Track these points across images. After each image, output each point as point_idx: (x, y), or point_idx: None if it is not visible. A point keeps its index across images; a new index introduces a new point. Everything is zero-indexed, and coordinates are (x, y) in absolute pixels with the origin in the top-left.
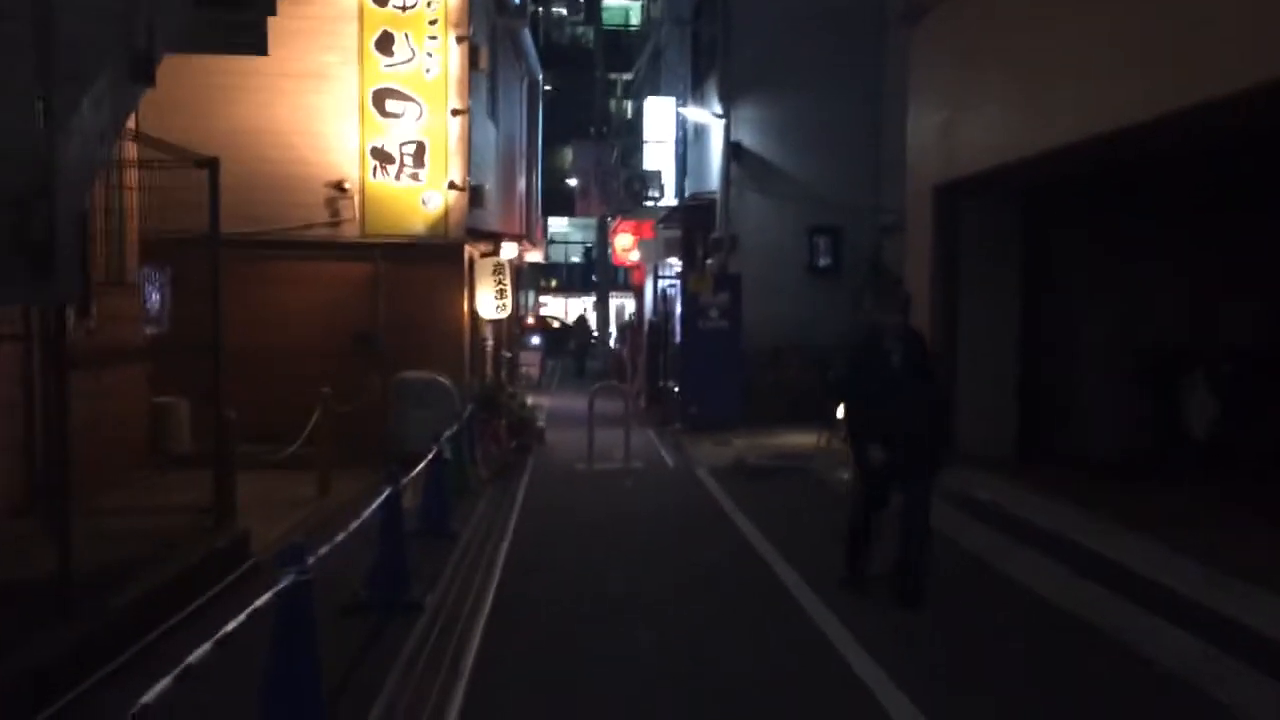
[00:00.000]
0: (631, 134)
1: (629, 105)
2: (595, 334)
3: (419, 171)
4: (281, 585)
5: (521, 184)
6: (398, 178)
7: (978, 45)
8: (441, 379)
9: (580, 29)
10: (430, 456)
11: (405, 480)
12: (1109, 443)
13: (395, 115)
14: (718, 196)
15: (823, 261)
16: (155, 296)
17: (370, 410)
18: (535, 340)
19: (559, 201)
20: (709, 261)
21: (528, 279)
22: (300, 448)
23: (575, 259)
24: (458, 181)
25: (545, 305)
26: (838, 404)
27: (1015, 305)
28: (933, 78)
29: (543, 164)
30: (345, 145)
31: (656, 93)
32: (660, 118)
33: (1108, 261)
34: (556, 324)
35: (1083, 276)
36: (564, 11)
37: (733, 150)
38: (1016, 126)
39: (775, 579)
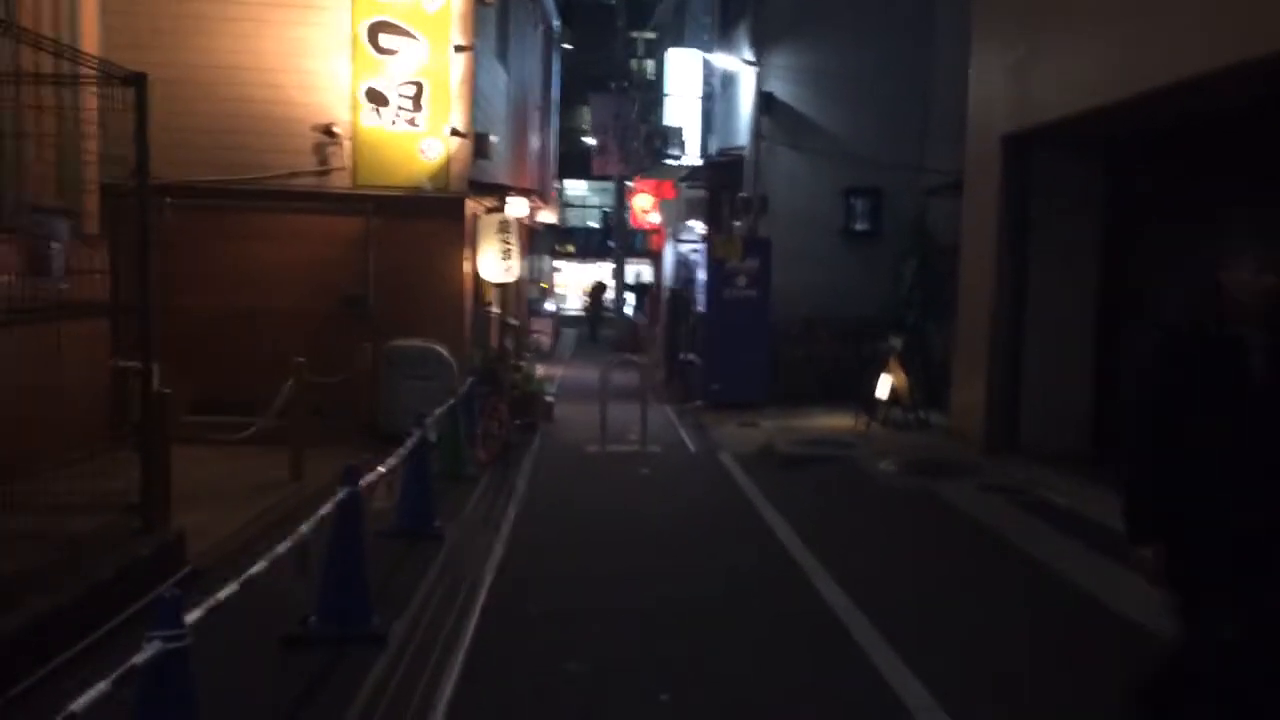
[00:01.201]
0: (652, 91)
1: (650, 65)
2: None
3: (417, 116)
4: (147, 655)
5: (535, 140)
6: (393, 122)
7: None
8: (438, 348)
9: None
10: (411, 442)
11: (373, 476)
12: None
13: (391, 52)
14: (746, 153)
15: (860, 225)
16: (54, 246)
17: (359, 381)
18: (549, 306)
19: (576, 164)
20: (736, 224)
21: (543, 242)
22: (276, 422)
23: (593, 224)
24: (460, 128)
25: (560, 270)
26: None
27: (1093, 275)
28: (1002, 10)
29: (560, 124)
30: (336, 85)
31: (680, 45)
32: (683, 70)
33: (1205, 233)
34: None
35: (1172, 244)
36: None
37: (764, 101)
38: (1111, 62)
39: (821, 603)
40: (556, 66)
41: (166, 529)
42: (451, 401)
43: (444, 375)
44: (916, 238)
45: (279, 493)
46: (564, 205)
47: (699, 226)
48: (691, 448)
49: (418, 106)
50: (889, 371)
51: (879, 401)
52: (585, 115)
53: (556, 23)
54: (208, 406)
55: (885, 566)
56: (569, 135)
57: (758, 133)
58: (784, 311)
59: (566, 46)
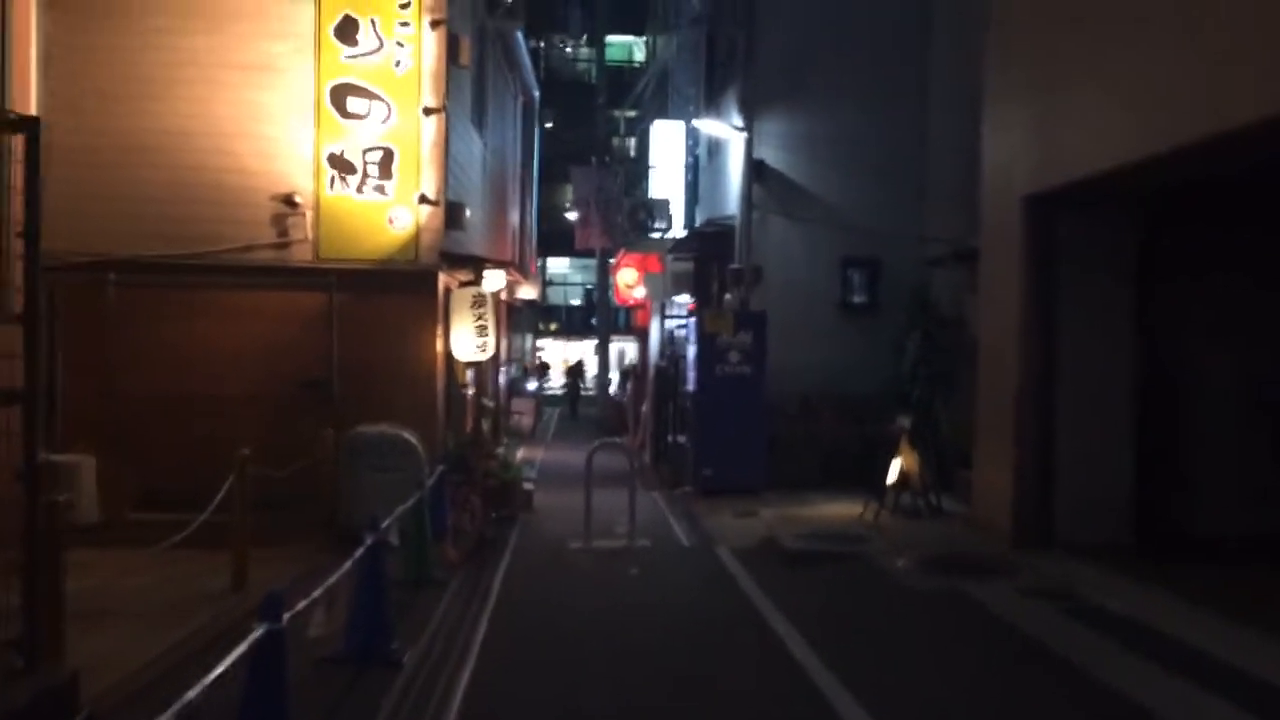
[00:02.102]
0: (636, 166)
1: (631, 143)
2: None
3: (385, 184)
4: None
5: (514, 213)
6: (360, 190)
7: (1083, 14)
8: (406, 434)
9: (582, 65)
10: (362, 549)
11: (306, 603)
12: (1249, 520)
13: (358, 116)
14: (737, 222)
15: (858, 297)
16: None
17: (320, 472)
18: (530, 385)
19: (558, 241)
20: (727, 296)
21: (526, 320)
22: (220, 517)
23: (575, 301)
24: (431, 195)
25: (543, 350)
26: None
27: (1130, 344)
28: (1020, 64)
29: (541, 201)
30: (297, 151)
31: (664, 118)
32: (667, 142)
33: (1247, 292)
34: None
35: (1217, 305)
36: (567, 48)
37: (755, 168)
38: (1145, 115)
39: None
40: (537, 139)
41: (57, 667)
42: (417, 495)
43: (411, 464)
44: (919, 310)
45: (214, 607)
46: (546, 283)
47: (685, 301)
48: (685, 542)
49: (386, 173)
50: (899, 454)
51: (888, 487)
52: (566, 193)
53: (537, 93)
54: (153, 502)
55: (924, 694)
56: (550, 213)
57: (749, 201)
58: (779, 389)
59: (547, 125)
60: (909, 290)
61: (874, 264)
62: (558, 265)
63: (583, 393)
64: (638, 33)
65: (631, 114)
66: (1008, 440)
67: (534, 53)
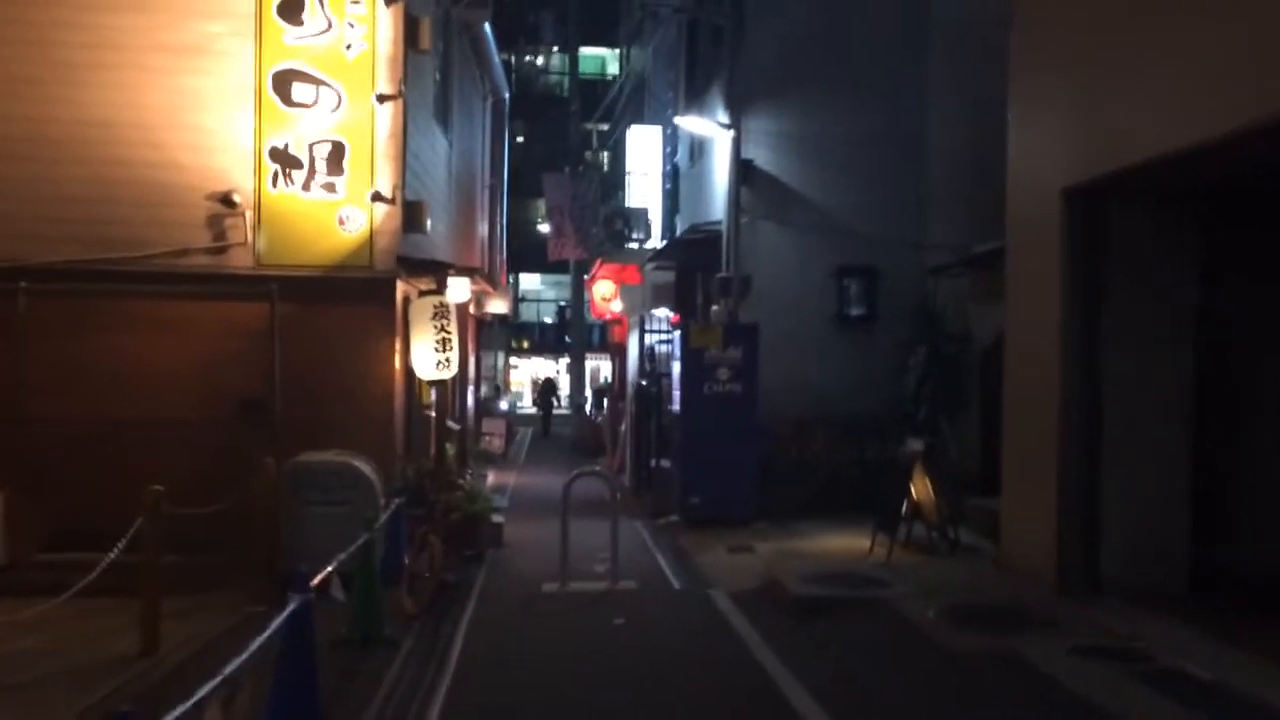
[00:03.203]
0: (610, 176)
1: (605, 156)
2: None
3: (335, 180)
4: None
5: (483, 224)
6: (306, 188)
7: None
8: (356, 463)
9: (553, 78)
10: (279, 620)
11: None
12: None
13: (304, 105)
14: (723, 228)
15: (855, 310)
16: None
17: (258, 508)
18: (503, 405)
19: (529, 257)
20: (714, 308)
21: (497, 337)
22: (136, 557)
23: (548, 319)
24: (386, 193)
25: (516, 368)
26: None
27: (1189, 363)
28: (1057, 35)
29: (512, 216)
30: (235, 144)
31: (640, 124)
32: (644, 149)
33: None
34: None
35: None
36: (538, 60)
37: (743, 170)
38: (1221, 87)
39: None
40: (507, 147)
41: None
42: (365, 537)
43: (362, 497)
44: (924, 322)
45: (118, 677)
46: (518, 299)
47: (665, 315)
48: (675, 583)
49: (336, 169)
50: (911, 482)
51: (898, 520)
52: (538, 208)
53: (507, 95)
54: (68, 543)
55: None
56: (521, 228)
57: (736, 205)
58: (770, 410)
59: (518, 139)
60: (909, 301)
61: (871, 273)
62: (530, 282)
63: (555, 411)
64: (611, 45)
65: (604, 127)
66: (1043, 470)
67: (505, 65)
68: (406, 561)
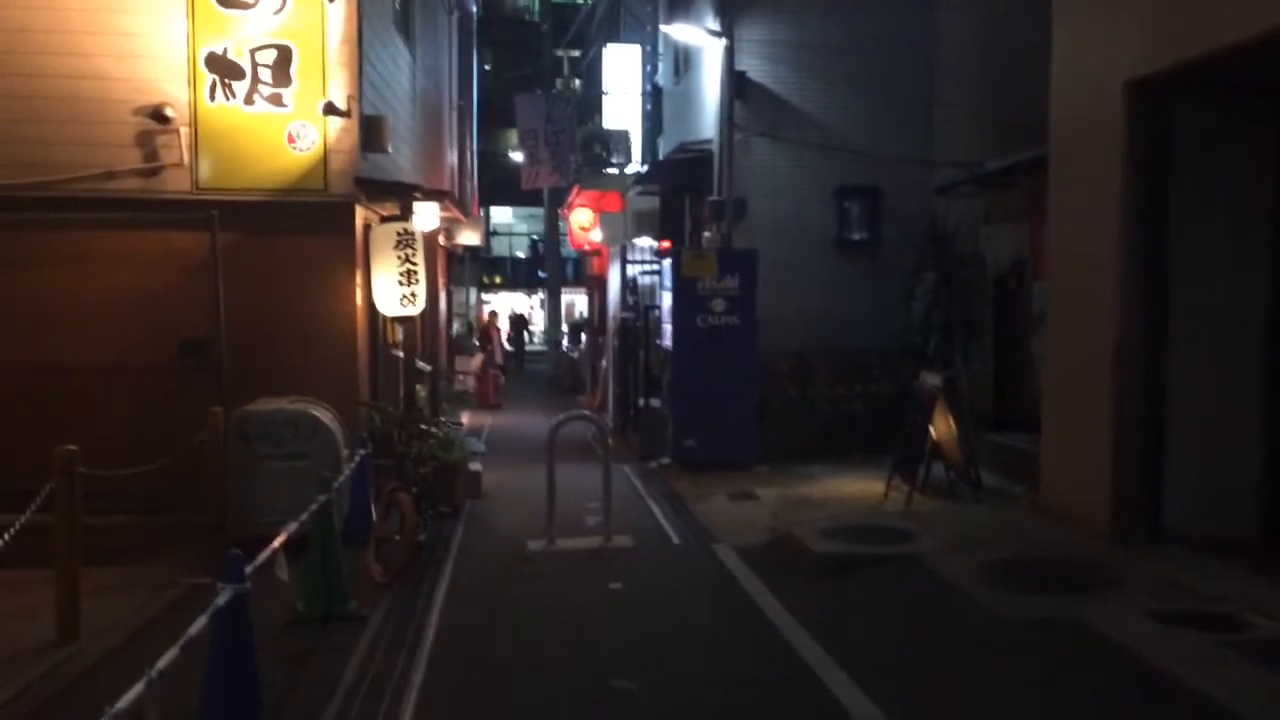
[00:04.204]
0: (585, 103)
1: (577, 84)
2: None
3: (282, 92)
4: None
5: (452, 152)
6: (249, 101)
7: None
8: (313, 410)
9: (523, 1)
10: (205, 618)
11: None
12: None
13: (245, 4)
14: (714, 148)
15: (856, 234)
16: None
17: (206, 462)
18: (475, 342)
19: (501, 191)
20: (706, 234)
21: (469, 273)
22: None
23: (520, 254)
24: (339, 104)
25: (489, 303)
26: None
27: (1264, 281)
28: None
29: (482, 147)
30: (167, 51)
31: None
32: (622, 69)
33: None
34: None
35: None
36: None
37: (736, 83)
38: None
39: None
40: (474, 64)
41: None
42: (323, 498)
43: (322, 450)
44: (932, 246)
45: (22, 674)
46: (489, 234)
47: (651, 243)
48: (674, 537)
49: (283, 79)
50: (931, 419)
51: (919, 462)
52: (509, 139)
53: (475, 9)
54: None
55: None
56: (492, 160)
57: (730, 121)
58: (767, 343)
59: (485, 67)
60: (915, 224)
61: (874, 194)
62: (501, 215)
63: (527, 347)
64: None
65: (576, 54)
66: (1093, 403)
67: None
68: (375, 521)
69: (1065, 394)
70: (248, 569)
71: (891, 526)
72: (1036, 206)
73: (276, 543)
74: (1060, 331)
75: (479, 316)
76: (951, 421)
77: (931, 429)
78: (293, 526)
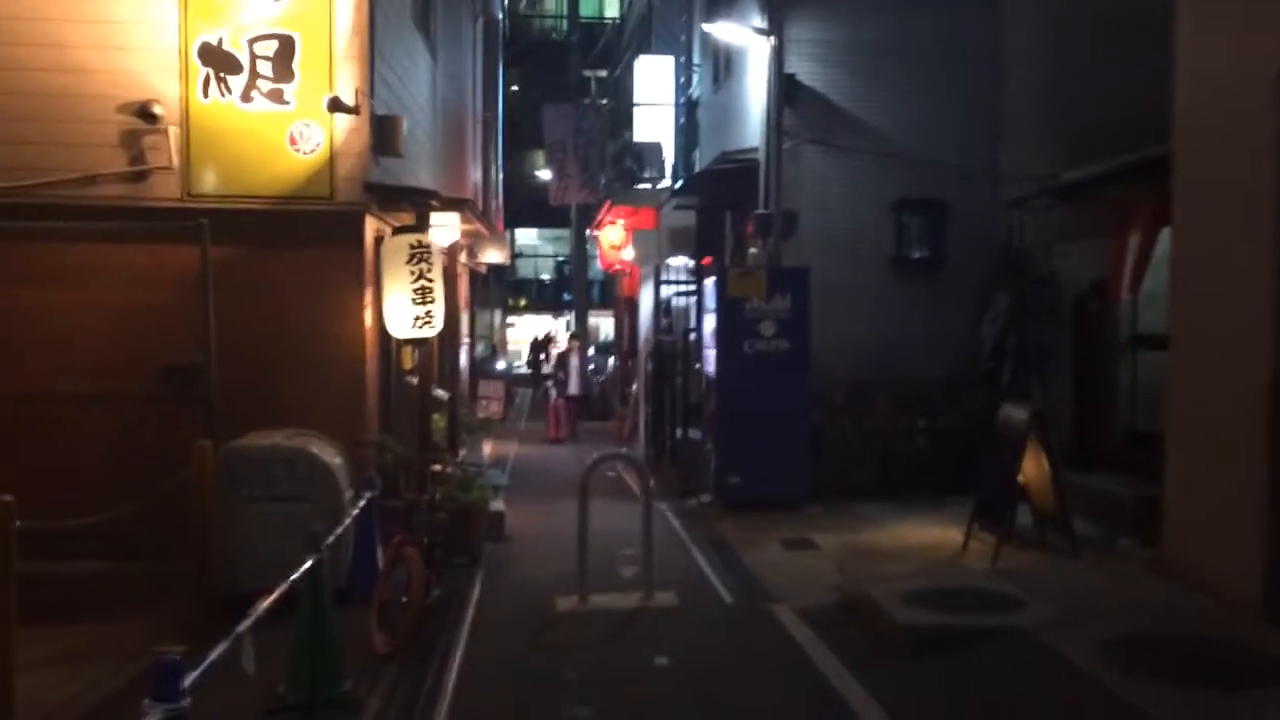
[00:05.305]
0: (616, 115)
1: (607, 103)
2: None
3: (284, 87)
4: None
5: (476, 168)
6: (247, 97)
7: None
8: (311, 447)
9: (549, 20)
10: None
11: None
12: None
13: None
14: (761, 156)
15: (917, 251)
16: None
17: (190, 504)
18: (499, 365)
19: (527, 212)
20: (751, 251)
21: (493, 294)
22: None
23: (546, 276)
24: (346, 100)
25: (513, 326)
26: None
27: None
28: None
29: (508, 168)
30: (156, 42)
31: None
32: (654, 80)
33: None
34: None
35: None
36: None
37: (785, 86)
38: None
39: None
40: (499, 70)
41: None
42: (313, 558)
43: (319, 492)
44: (1004, 265)
45: None
46: (514, 255)
47: (685, 263)
48: (725, 595)
49: (285, 73)
50: (1020, 459)
51: (1009, 510)
52: (535, 160)
53: (502, 17)
54: None
55: None
56: (519, 182)
57: (778, 129)
58: (819, 371)
59: (513, 88)
60: (983, 240)
61: (937, 207)
62: (526, 237)
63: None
64: None
65: (604, 73)
66: (1238, 447)
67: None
68: (380, 579)
69: (1199, 432)
70: (212, 654)
71: (986, 589)
72: (1122, 219)
73: (245, 625)
74: (1189, 358)
75: (502, 339)
76: (1045, 461)
77: (1025, 468)
78: (270, 598)
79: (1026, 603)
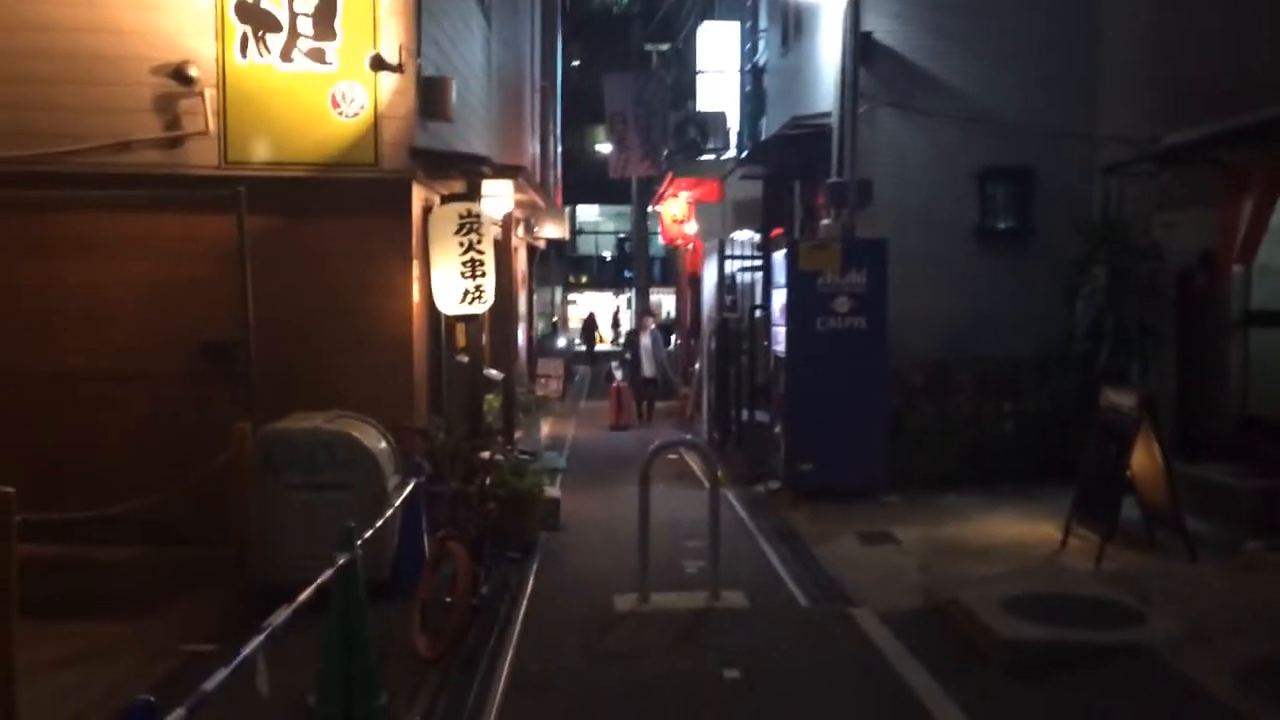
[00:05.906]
0: (678, 87)
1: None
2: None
3: (326, 46)
4: None
5: (534, 140)
6: (287, 57)
7: None
8: (352, 431)
9: None
10: None
11: None
12: None
13: None
14: (833, 121)
15: (1002, 222)
16: None
17: (228, 487)
18: (559, 343)
19: (587, 188)
20: (824, 222)
21: (554, 272)
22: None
23: (606, 254)
24: (389, 59)
25: (574, 303)
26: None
27: None
28: None
29: (567, 144)
30: (190, 1)
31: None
32: (718, 47)
33: None
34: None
35: None
36: None
37: (862, 45)
38: None
39: None
40: (560, 43)
41: None
42: (346, 556)
43: (361, 479)
44: (1099, 237)
45: None
46: (575, 232)
47: (751, 236)
48: (799, 596)
49: (326, 31)
50: (1129, 451)
51: (1115, 506)
52: (595, 135)
53: None
54: None
55: None
56: (579, 157)
57: (853, 90)
58: (897, 350)
59: (573, 63)
60: (1075, 210)
61: (1024, 175)
62: (587, 213)
63: (597, 348)
64: None
65: (665, 47)
66: None
67: None
68: (423, 576)
69: None
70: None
71: (1098, 597)
72: (1234, 185)
73: (255, 642)
74: None
75: (563, 316)
76: (1156, 452)
77: (1135, 461)
78: (290, 607)
79: (1145, 614)
